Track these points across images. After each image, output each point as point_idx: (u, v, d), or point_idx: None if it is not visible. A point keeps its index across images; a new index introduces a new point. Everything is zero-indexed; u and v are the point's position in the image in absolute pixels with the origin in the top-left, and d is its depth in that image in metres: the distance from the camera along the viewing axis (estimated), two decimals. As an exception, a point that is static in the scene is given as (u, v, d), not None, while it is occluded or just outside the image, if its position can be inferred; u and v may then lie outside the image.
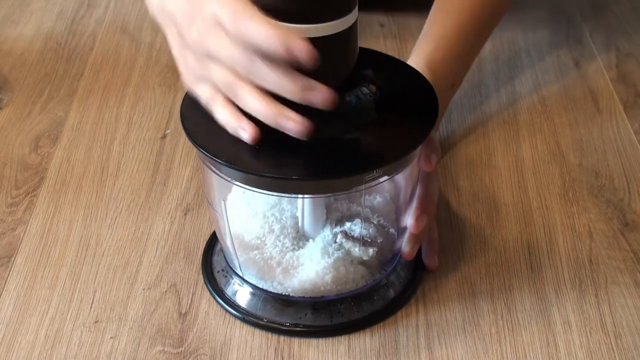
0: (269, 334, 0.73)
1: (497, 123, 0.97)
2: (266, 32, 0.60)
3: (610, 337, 0.73)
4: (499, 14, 0.94)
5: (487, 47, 1.09)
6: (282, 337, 0.73)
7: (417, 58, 0.86)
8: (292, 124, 0.63)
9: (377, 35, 1.11)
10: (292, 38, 0.60)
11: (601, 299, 0.76)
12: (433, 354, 0.72)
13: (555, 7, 1.19)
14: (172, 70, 1.06)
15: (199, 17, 0.64)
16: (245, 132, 0.64)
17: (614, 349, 0.72)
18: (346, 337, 0.73)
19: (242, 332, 0.74)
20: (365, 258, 0.73)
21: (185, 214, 0.85)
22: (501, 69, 1.06)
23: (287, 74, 0.62)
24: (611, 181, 0.89)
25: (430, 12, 0.92)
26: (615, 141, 0.94)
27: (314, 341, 0.73)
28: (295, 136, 0.63)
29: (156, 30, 1.14)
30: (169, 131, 0.96)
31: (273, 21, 0.61)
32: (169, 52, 1.09)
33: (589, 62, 1.07)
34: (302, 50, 0.60)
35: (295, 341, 0.73)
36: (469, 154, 0.93)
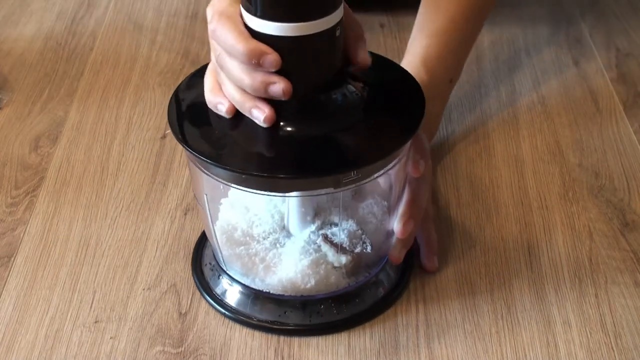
0: (269, 335, 0.73)
1: (497, 123, 0.97)
2: (234, 42, 0.65)
3: (610, 337, 0.73)
4: (490, 4, 0.94)
5: (487, 47, 1.10)
6: (281, 337, 0.73)
7: (412, 55, 0.86)
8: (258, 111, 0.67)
9: (377, 35, 1.11)
10: (258, 50, 0.64)
11: (601, 299, 0.76)
12: (433, 354, 0.72)
13: (555, 6, 1.19)
14: (172, 71, 1.06)
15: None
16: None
17: (614, 348, 0.72)
18: (346, 337, 0.73)
19: (242, 332, 0.74)
20: (336, 265, 0.73)
21: (185, 214, 0.85)
22: (501, 69, 1.06)
23: (247, 72, 0.65)
24: (611, 181, 0.89)
25: (420, 8, 0.91)
26: (615, 141, 0.94)
27: (313, 341, 0.73)
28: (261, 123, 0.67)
29: (156, 30, 1.14)
30: (168, 131, 0.96)
31: (243, 33, 0.65)
32: (169, 52, 1.10)
33: (589, 61, 1.07)
34: (268, 60, 0.64)
35: (295, 341, 0.73)
36: (469, 154, 0.93)
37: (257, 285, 0.74)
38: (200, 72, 0.74)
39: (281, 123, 0.66)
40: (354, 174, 0.66)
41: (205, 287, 0.76)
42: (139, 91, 1.02)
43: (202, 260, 0.79)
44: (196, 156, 0.66)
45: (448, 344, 0.72)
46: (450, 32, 0.88)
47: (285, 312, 0.73)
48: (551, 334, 0.73)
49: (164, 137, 0.95)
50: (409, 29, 1.12)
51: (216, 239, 0.74)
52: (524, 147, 0.94)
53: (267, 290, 0.73)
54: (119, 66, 1.07)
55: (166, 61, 1.08)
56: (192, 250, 0.81)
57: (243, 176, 0.66)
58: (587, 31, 1.13)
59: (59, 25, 1.15)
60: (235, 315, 0.74)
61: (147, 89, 1.03)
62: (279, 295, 0.73)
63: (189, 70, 1.06)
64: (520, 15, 1.16)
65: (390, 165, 0.69)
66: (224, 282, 0.76)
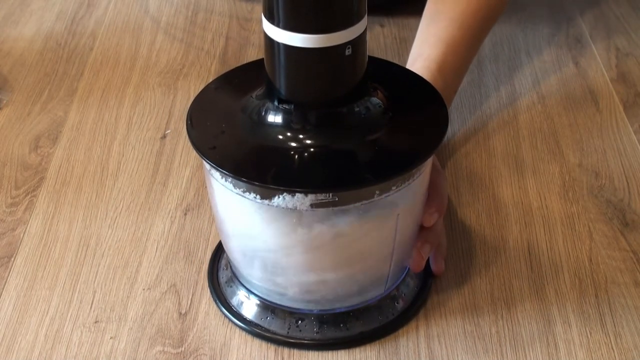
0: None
1: (497, 123, 0.97)
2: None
3: (610, 337, 0.73)
4: (497, 15, 0.94)
5: (487, 47, 1.09)
6: (282, 337, 0.73)
7: (427, 62, 0.85)
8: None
9: (377, 35, 1.11)
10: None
11: (601, 299, 0.76)
12: (433, 354, 0.71)
13: (555, 6, 1.19)
14: (172, 71, 1.06)
15: None
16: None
17: (614, 348, 0.72)
18: (346, 337, 0.73)
19: (242, 333, 0.74)
20: None
21: (185, 214, 0.85)
22: (501, 69, 1.06)
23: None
24: (611, 181, 0.89)
25: (429, 13, 0.91)
26: (615, 141, 0.94)
27: (314, 341, 0.73)
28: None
29: (156, 30, 1.14)
30: (168, 131, 0.96)
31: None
32: (169, 52, 1.10)
33: (589, 62, 1.07)
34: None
35: (295, 341, 0.73)
36: (468, 154, 0.93)
37: (272, 297, 0.73)
38: (211, 85, 0.74)
39: (300, 135, 0.66)
40: (377, 192, 0.66)
41: (220, 297, 0.76)
42: (139, 91, 1.02)
43: (218, 273, 0.78)
44: (222, 172, 0.66)
45: (448, 344, 0.72)
46: (465, 43, 0.88)
47: (297, 324, 0.73)
48: (551, 334, 0.73)
49: (164, 137, 0.95)
50: (409, 29, 1.12)
51: (228, 242, 0.74)
52: (524, 147, 0.94)
53: (282, 303, 0.73)
54: (119, 66, 1.07)
55: (166, 61, 1.08)
56: (192, 251, 0.81)
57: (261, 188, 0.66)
58: (587, 31, 1.13)
59: (59, 25, 1.15)
60: (250, 328, 0.73)
61: (147, 89, 1.03)
62: (294, 308, 0.73)
63: (189, 70, 1.06)
64: (520, 15, 1.16)
65: (406, 183, 0.69)
66: (240, 293, 0.75)
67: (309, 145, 0.66)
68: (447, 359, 0.71)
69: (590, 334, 0.73)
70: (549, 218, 0.85)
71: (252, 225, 0.70)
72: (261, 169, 0.66)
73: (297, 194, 0.65)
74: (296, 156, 0.66)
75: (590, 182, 0.89)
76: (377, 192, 0.66)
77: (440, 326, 0.74)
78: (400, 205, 0.69)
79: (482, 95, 1.02)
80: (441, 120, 0.70)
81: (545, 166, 0.91)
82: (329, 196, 0.65)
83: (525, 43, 1.11)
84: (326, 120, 0.67)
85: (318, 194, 0.65)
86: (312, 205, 0.66)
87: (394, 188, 0.67)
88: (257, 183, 0.65)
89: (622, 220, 0.84)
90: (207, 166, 0.69)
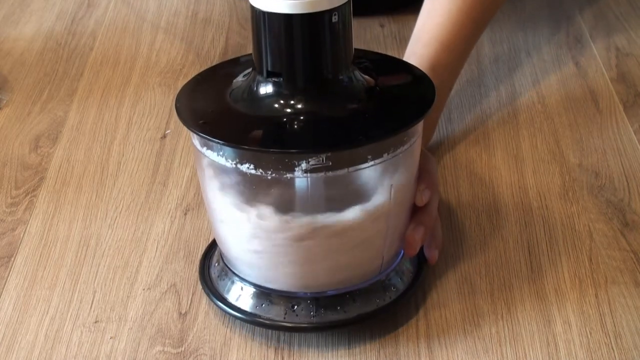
0: (270, 334, 0.73)
1: (497, 123, 0.97)
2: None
3: (610, 337, 0.73)
4: (493, 12, 0.94)
5: (487, 47, 1.10)
6: (282, 337, 0.73)
7: (419, 61, 0.85)
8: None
9: (377, 35, 1.11)
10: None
11: (601, 299, 0.76)
12: (433, 354, 0.71)
13: (555, 6, 1.19)
14: (172, 71, 1.06)
15: None
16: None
17: (614, 349, 0.72)
18: (346, 336, 0.73)
19: (242, 332, 0.74)
20: None
21: (185, 214, 0.85)
22: (501, 69, 1.06)
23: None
24: (611, 181, 0.89)
25: (424, 11, 0.91)
26: (615, 141, 0.94)
27: (313, 341, 0.73)
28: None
29: (156, 30, 1.14)
30: (169, 131, 0.96)
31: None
32: (169, 52, 1.10)
33: (589, 62, 1.07)
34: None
35: (295, 341, 0.73)
36: (469, 154, 0.93)
37: (266, 283, 0.73)
38: (197, 77, 0.75)
39: (291, 102, 0.67)
40: (369, 158, 0.67)
41: (213, 291, 0.76)
42: (139, 91, 1.02)
43: (210, 268, 0.78)
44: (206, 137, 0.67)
45: (448, 344, 0.72)
46: (459, 40, 0.88)
47: (294, 309, 0.73)
48: (551, 334, 0.73)
49: (164, 137, 0.95)
50: (409, 28, 1.12)
51: (217, 227, 0.74)
52: (524, 147, 0.94)
53: (276, 288, 0.73)
54: (119, 66, 1.07)
55: (166, 61, 1.08)
56: (192, 251, 0.81)
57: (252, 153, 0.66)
58: (587, 31, 1.13)
59: (59, 25, 1.15)
60: (245, 316, 0.73)
61: (147, 89, 1.03)
62: (290, 292, 0.73)
63: (189, 70, 1.06)
64: (520, 15, 1.16)
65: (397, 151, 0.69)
66: (232, 282, 0.75)
67: (300, 112, 0.67)
68: (447, 359, 0.71)
69: (590, 334, 0.73)
70: (549, 218, 0.85)
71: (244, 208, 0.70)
72: (253, 135, 0.67)
73: (291, 162, 0.65)
74: (287, 123, 0.67)
75: (590, 182, 0.89)
76: (370, 156, 0.66)
77: (440, 326, 0.74)
78: (394, 176, 0.70)
79: (482, 95, 1.02)
80: (429, 88, 0.71)
81: (545, 166, 0.91)
82: (323, 160, 0.66)
83: (525, 43, 1.11)
84: (316, 89, 0.67)
85: (311, 158, 0.65)
86: (306, 171, 0.66)
87: (386, 155, 0.67)
88: (246, 147, 0.65)
89: (622, 220, 0.84)
90: (198, 144, 0.69)
